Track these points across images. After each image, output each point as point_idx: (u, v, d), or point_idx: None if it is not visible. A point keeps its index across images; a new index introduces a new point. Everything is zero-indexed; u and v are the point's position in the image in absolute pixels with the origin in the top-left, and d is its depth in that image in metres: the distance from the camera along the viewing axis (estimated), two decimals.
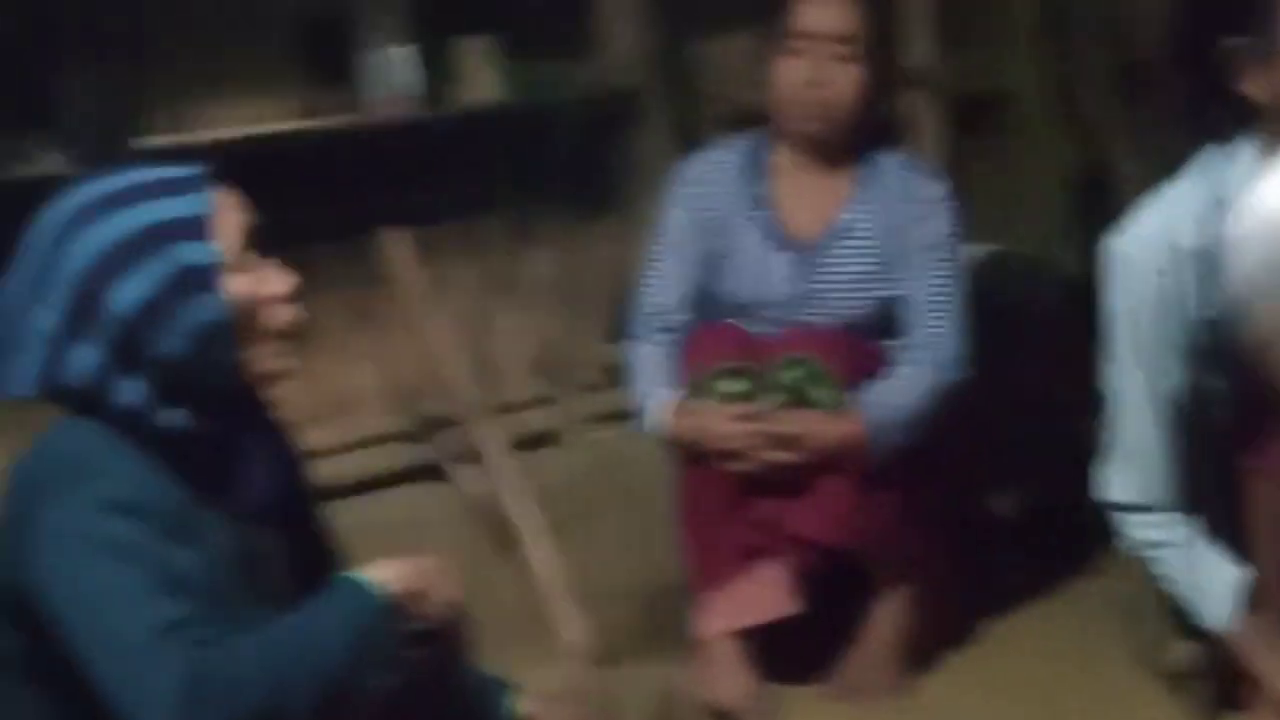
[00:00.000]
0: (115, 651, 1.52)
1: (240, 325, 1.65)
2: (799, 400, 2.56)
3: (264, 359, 1.70)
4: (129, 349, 1.60)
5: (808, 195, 2.73)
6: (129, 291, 1.58)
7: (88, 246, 1.59)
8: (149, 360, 1.61)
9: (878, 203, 2.71)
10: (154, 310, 1.59)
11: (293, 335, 1.72)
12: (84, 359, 1.60)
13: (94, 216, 1.61)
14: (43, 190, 1.67)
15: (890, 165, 2.74)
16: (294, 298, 1.71)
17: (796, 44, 2.66)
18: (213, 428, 1.67)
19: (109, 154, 2.07)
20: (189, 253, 1.61)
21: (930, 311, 2.67)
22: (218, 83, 3.10)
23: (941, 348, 2.65)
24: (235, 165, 1.74)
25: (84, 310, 1.59)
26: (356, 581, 1.68)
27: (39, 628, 1.60)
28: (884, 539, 2.62)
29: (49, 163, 2.77)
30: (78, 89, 2.82)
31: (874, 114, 2.76)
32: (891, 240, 2.69)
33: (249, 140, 3.01)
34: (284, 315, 1.70)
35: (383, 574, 1.69)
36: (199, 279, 1.61)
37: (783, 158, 2.75)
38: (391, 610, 1.67)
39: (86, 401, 1.63)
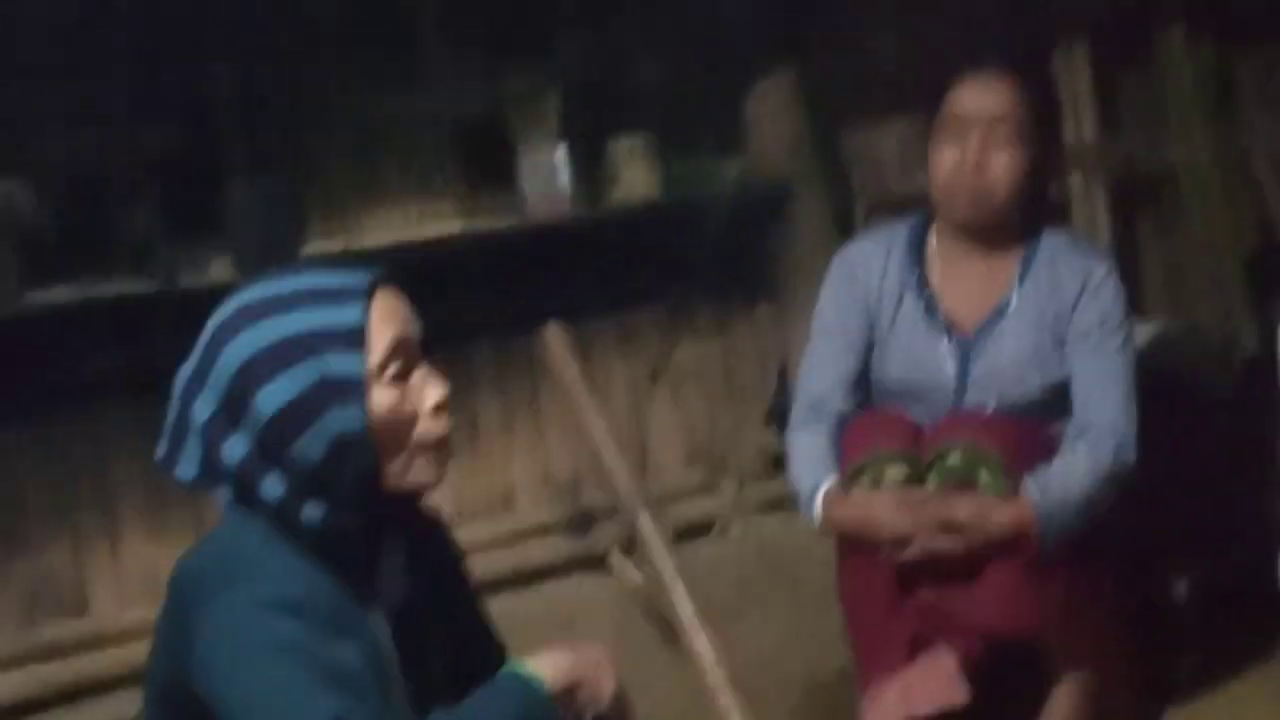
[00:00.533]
0: None
1: (381, 437, 1.68)
2: (965, 484, 2.52)
3: (408, 470, 1.71)
4: (271, 447, 1.65)
5: (969, 278, 2.69)
6: (274, 394, 1.64)
7: (244, 346, 1.65)
8: (289, 460, 1.65)
9: (1041, 285, 2.66)
10: (295, 414, 1.64)
11: (439, 448, 1.73)
12: (234, 450, 1.66)
13: (254, 317, 1.67)
14: (212, 298, 1.73)
15: (1054, 246, 2.69)
16: (443, 409, 1.72)
17: (955, 128, 2.63)
18: (355, 525, 1.69)
19: (274, 261, 2.14)
20: (335, 363, 1.64)
21: (1099, 393, 2.61)
22: (378, 188, 3.19)
23: (1112, 430, 2.58)
24: (397, 269, 1.78)
25: (236, 405, 1.65)
26: (520, 674, 1.68)
27: None
28: (1056, 627, 2.55)
29: (218, 271, 2.87)
30: (244, 199, 2.91)
31: (1037, 196, 2.72)
32: (1056, 322, 2.64)
33: (410, 245, 3.08)
34: (432, 429, 1.71)
35: (545, 666, 1.70)
36: (342, 389, 1.64)
37: (943, 241, 2.72)
38: (554, 703, 1.67)
39: (241, 492, 1.67)
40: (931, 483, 2.53)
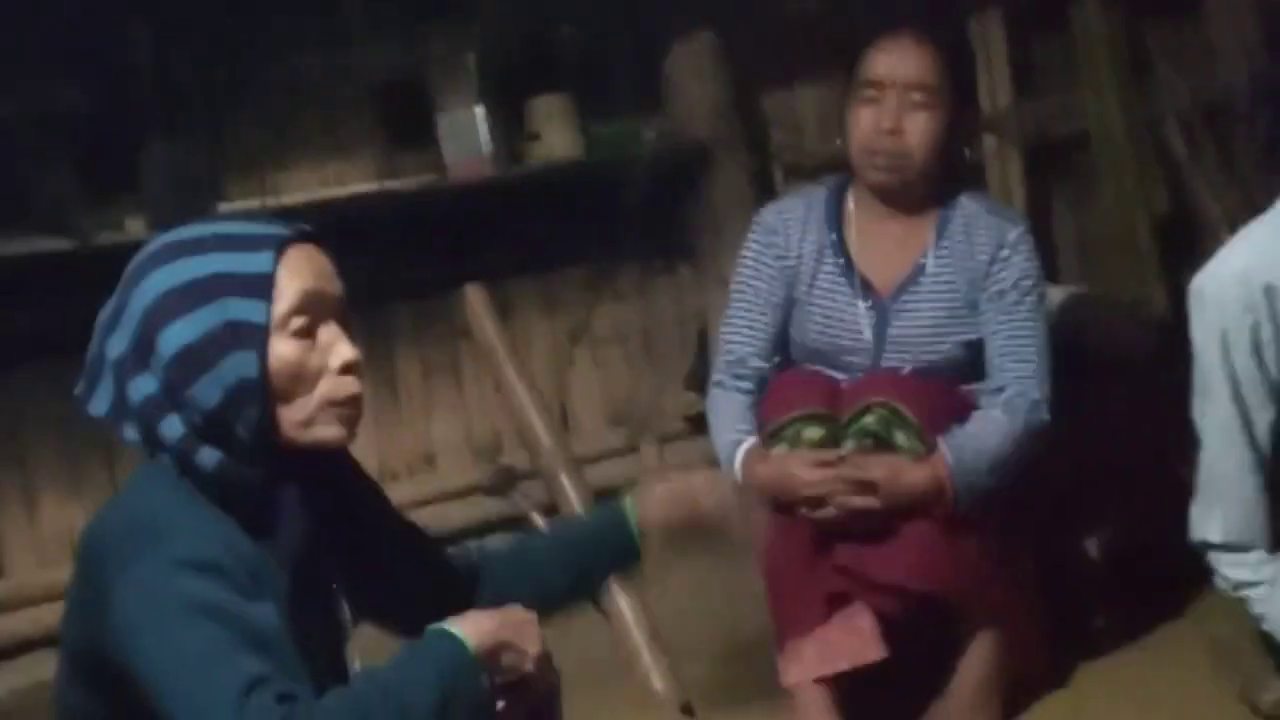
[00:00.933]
0: (204, 712, 1.53)
1: (280, 388, 1.66)
2: (882, 445, 2.55)
3: (310, 426, 1.69)
4: (172, 387, 1.64)
5: (886, 241, 2.72)
6: (177, 334, 1.63)
7: (154, 286, 1.65)
8: (188, 402, 1.64)
9: (956, 248, 2.70)
10: (195, 356, 1.63)
11: (346, 406, 1.70)
12: (140, 389, 1.65)
13: (168, 258, 1.66)
14: (127, 257, 1.71)
15: (969, 209, 2.72)
16: (351, 369, 1.70)
17: (871, 92, 2.66)
18: (253, 477, 1.67)
19: (191, 219, 2.12)
20: (238, 308, 1.63)
21: (1013, 354, 2.65)
22: (297, 147, 3.16)
23: (1026, 391, 2.63)
24: (317, 225, 1.76)
25: (144, 345, 1.65)
26: (445, 634, 1.68)
27: (119, 689, 1.61)
28: (971, 584, 2.59)
29: (134, 229, 2.84)
30: (159, 157, 2.88)
31: (953, 160, 2.75)
32: (971, 284, 2.68)
33: (329, 202, 3.07)
34: (337, 387, 1.69)
35: (470, 627, 1.69)
36: (242, 335, 1.63)
37: (860, 205, 2.74)
38: (479, 663, 1.67)
39: (145, 433, 1.67)
40: (848, 444, 2.56)
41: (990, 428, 2.58)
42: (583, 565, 2.00)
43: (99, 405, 1.69)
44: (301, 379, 1.67)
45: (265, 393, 1.65)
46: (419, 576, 1.90)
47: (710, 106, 3.44)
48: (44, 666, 1.87)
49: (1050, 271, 3.77)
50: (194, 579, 1.57)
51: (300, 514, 1.73)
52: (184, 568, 1.57)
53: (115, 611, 1.58)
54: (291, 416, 1.68)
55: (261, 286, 1.64)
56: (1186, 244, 3.67)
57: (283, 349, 1.66)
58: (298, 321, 1.66)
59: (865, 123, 2.65)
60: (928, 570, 2.53)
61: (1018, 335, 2.66)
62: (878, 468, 2.51)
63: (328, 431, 1.70)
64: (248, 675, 1.53)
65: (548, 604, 1.90)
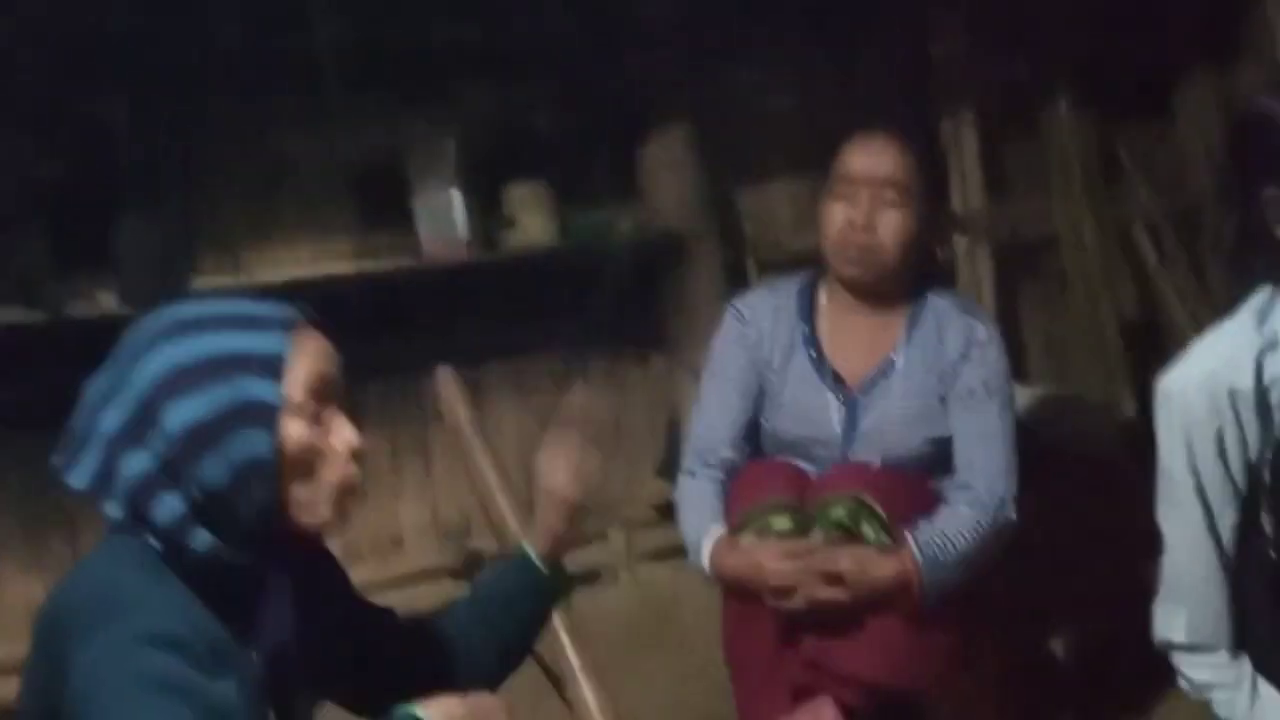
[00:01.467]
0: None
1: (289, 469, 1.65)
2: (849, 536, 2.55)
3: (312, 510, 1.68)
4: (174, 466, 1.62)
5: (857, 335, 2.74)
6: (185, 411, 1.61)
7: (161, 361, 1.63)
8: (190, 481, 1.62)
9: (926, 344, 2.72)
10: (203, 434, 1.61)
11: (346, 490, 1.70)
12: (134, 465, 1.63)
13: (175, 333, 1.64)
14: (98, 330, 1.70)
15: (939, 306, 2.75)
16: (359, 455, 1.70)
17: (845, 188, 2.69)
18: (243, 559, 1.66)
19: (164, 295, 2.12)
20: (252, 387, 1.62)
21: (981, 453, 2.66)
22: (273, 226, 3.17)
23: (993, 488, 2.63)
24: (308, 309, 1.77)
25: (143, 420, 1.62)
26: (413, 717, 1.66)
27: None
28: (935, 680, 2.58)
29: (105, 302, 2.84)
30: (133, 231, 2.88)
31: (924, 257, 2.78)
32: (940, 380, 2.70)
33: (303, 283, 3.06)
34: (345, 472, 1.69)
35: (437, 713, 1.67)
36: (255, 414, 1.62)
37: (832, 298, 2.77)
38: None
39: (133, 510, 1.64)
40: (816, 535, 2.56)
41: (957, 523, 2.59)
42: (508, 619, 2.02)
43: (80, 478, 1.65)
44: (312, 461, 1.66)
45: (274, 474, 1.63)
46: (386, 658, 1.88)
47: (685, 197, 3.47)
48: None
49: (1019, 370, 3.81)
50: (155, 655, 1.55)
51: (285, 598, 1.72)
52: (145, 643, 1.55)
53: (73, 685, 1.56)
54: (299, 499, 1.66)
55: (274, 366, 1.63)
56: (1154, 347, 3.71)
57: (295, 430, 1.65)
58: (310, 405, 1.66)
59: (838, 218, 2.68)
60: (893, 664, 2.52)
61: (985, 433, 2.67)
62: (845, 559, 2.51)
63: (325, 516, 1.69)
64: None
65: (492, 670, 1.92)
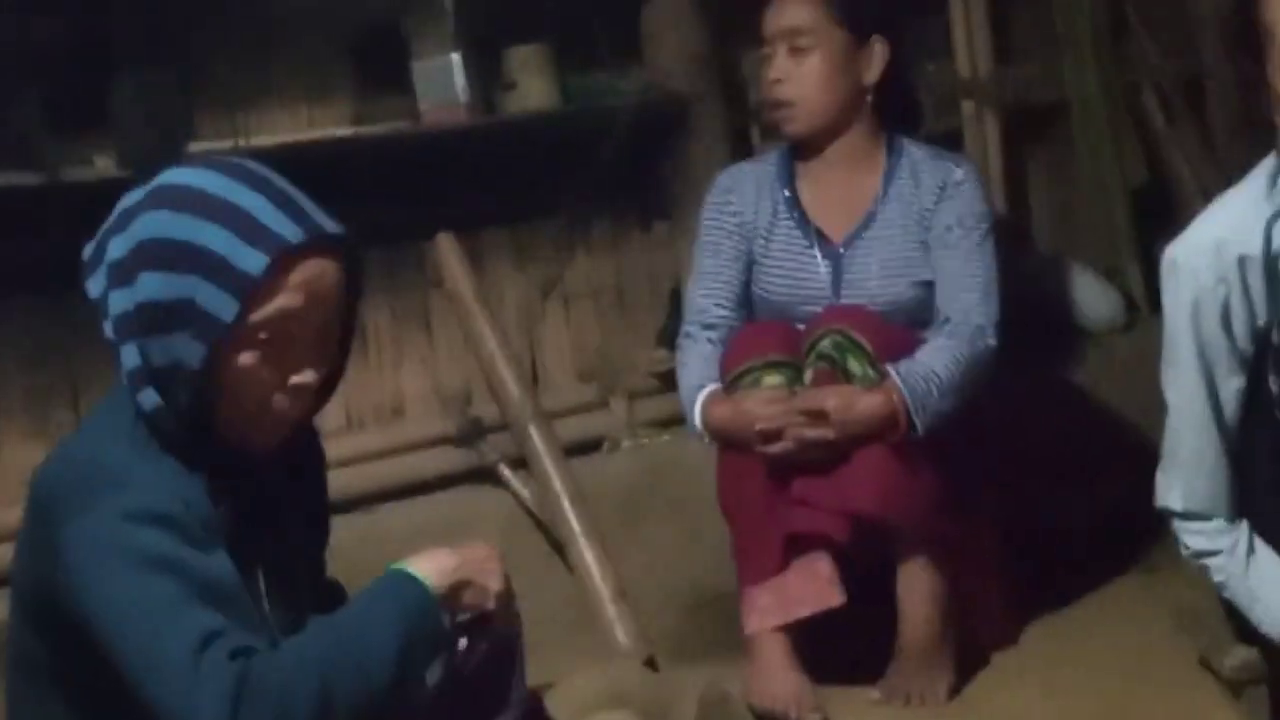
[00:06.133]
0: (159, 667, 1.51)
1: (225, 388, 1.62)
2: (835, 369, 2.58)
3: (233, 426, 1.65)
4: (136, 323, 1.63)
5: (836, 193, 2.81)
6: (148, 284, 1.61)
7: (157, 223, 1.62)
8: (142, 345, 1.63)
9: (904, 192, 2.78)
10: (151, 315, 1.61)
11: (276, 421, 1.66)
12: (117, 302, 1.64)
13: (188, 204, 1.62)
14: (95, 193, 1.68)
15: (915, 156, 2.80)
16: (303, 391, 1.65)
17: (766, 49, 2.78)
18: (183, 434, 1.64)
19: (161, 158, 2.09)
20: (209, 298, 1.59)
21: (959, 286, 2.71)
22: (271, 89, 3.13)
23: (969, 318, 2.68)
24: (288, 170, 1.73)
25: (127, 268, 1.63)
26: (404, 574, 1.66)
27: (66, 636, 1.59)
28: (923, 512, 2.59)
29: (103, 165, 2.80)
30: (131, 93, 2.83)
31: (895, 103, 2.81)
32: (920, 226, 2.76)
33: (301, 145, 3.03)
34: (280, 403, 1.65)
35: (429, 566, 1.67)
36: (199, 323, 1.60)
37: (809, 160, 2.83)
38: (439, 602, 1.66)
39: (114, 346, 1.65)
40: (806, 373, 2.59)
41: (938, 355, 2.63)
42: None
43: (94, 289, 1.67)
44: (250, 391, 1.64)
45: (197, 388, 1.61)
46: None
47: (689, 61, 3.41)
48: (1, 605, 1.85)
49: (1026, 239, 3.79)
50: (147, 531, 1.55)
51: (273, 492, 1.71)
52: (137, 520, 1.56)
53: (66, 561, 1.57)
54: (228, 415, 1.64)
55: (242, 286, 1.59)
56: (1162, 213, 3.68)
57: (241, 358, 1.62)
58: (265, 335, 1.62)
59: (764, 79, 2.79)
60: (883, 495, 2.55)
61: (963, 268, 2.73)
62: (831, 398, 2.55)
63: (254, 440, 1.66)
64: (202, 629, 1.51)
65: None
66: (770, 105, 2.79)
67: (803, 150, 2.83)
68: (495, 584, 1.74)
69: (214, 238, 1.59)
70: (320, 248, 1.64)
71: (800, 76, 2.73)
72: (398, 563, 1.68)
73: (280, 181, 1.67)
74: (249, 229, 1.60)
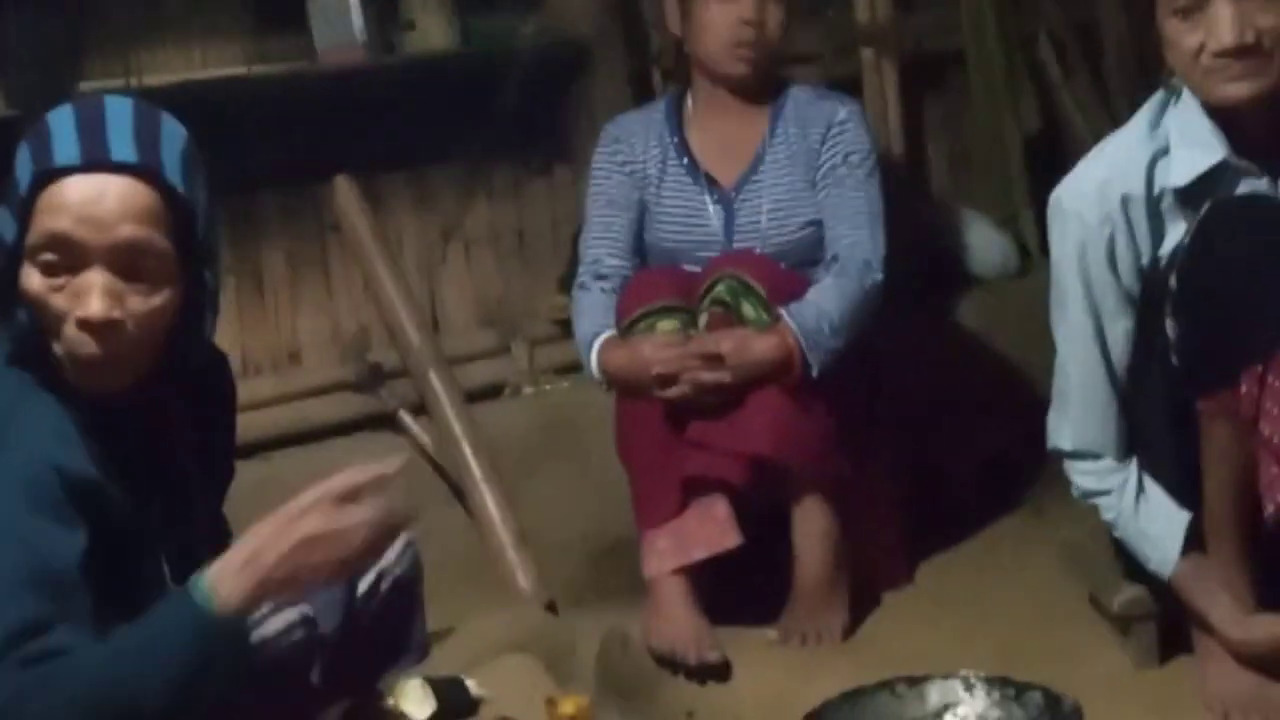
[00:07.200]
0: None
1: (34, 309, 1.62)
2: (730, 312, 2.60)
3: (69, 363, 1.63)
4: None
5: (725, 137, 2.84)
6: None
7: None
8: None
9: (790, 133, 2.82)
10: None
11: (79, 361, 1.62)
12: None
13: (25, 133, 1.68)
14: None
15: (800, 97, 2.85)
16: (89, 326, 1.60)
17: None
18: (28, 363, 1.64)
19: (51, 97, 2.04)
20: (3, 217, 1.63)
21: (846, 223, 2.75)
22: (163, 27, 3.06)
23: (856, 254, 2.71)
24: (181, 110, 1.71)
25: None
26: (187, 601, 1.56)
27: None
28: (818, 455, 2.62)
29: None
30: (19, 32, 2.77)
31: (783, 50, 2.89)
32: (807, 165, 2.79)
33: (195, 85, 2.98)
34: (73, 343, 1.61)
35: (226, 585, 1.56)
36: (1, 244, 1.63)
37: (699, 105, 2.86)
38: (235, 625, 1.57)
39: None
40: (701, 318, 2.61)
41: (827, 294, 2.66)
42: None
43: None
44: (45, 313, 1.62)
45: (18, 309, 1.62)
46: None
47: (590, 4, 3.40)
48: None
49: (923, 187, 3.82)
50: (12, 500, 1.54)
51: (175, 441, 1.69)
52: (9, 486, 1.54)
53: None
54: (55, 347, 1.63)
55: (16, 205, 1.63)
56: (1057, 163, 3.71)
57: (28, 278, 1.62)
58: (47, 257, 1.61)
59: (729, 17, 2.76)
60: (779, 436, 2.57)
61: (849, 205, 2.77)
62: (725, 341, 2.57)
63: (74, 375, 1.63)
64: (24, 620, 1.50)
65: None
66: (733, 45, 2.78)
67: (698, 94, 2.85)
68: (356, 531, 1.64)
69: (20, 161, 1.64)
70: (101, 169, 1.61)
71: (773, 22, 2.78)
72: (199, 575, 1.59)
73: (116, 109, 1.65)
74: (38, 151, 1.62)
